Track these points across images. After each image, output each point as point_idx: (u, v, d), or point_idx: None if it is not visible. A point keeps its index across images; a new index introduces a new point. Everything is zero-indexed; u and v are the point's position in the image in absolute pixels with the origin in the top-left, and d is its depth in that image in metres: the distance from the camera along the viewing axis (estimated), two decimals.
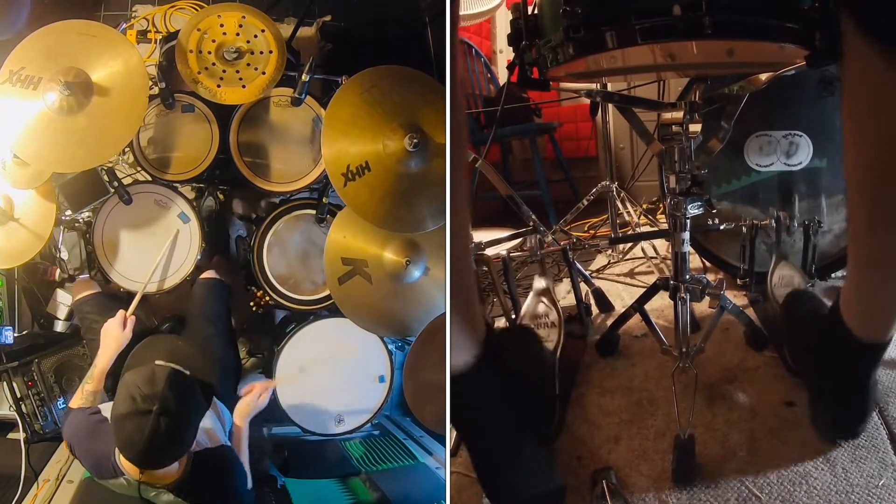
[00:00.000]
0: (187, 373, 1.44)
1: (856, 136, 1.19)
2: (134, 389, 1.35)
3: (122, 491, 1.51)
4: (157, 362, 1.43)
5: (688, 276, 1.57)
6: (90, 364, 1.97)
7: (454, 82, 1.12)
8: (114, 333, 1.79)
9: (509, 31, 1.41)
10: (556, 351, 1.80)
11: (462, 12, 2.58)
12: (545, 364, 1.68)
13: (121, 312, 1.83)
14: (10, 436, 1.99)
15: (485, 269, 2.07)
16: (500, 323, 2.10)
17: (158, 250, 2.02)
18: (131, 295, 2.03)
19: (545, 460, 1.40)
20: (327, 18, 2.62)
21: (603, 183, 2.71)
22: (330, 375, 2.17)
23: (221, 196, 2.31)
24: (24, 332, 1.98)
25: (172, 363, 1.44)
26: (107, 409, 1.56)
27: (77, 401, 1.69)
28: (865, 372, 1.40)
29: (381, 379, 2.20)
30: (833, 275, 2.03)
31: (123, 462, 1.43)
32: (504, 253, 2.08)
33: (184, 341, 1.87)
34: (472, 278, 1.32)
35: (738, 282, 2.10)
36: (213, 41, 1.90)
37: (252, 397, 1.81)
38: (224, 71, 1.90)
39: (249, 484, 1.69)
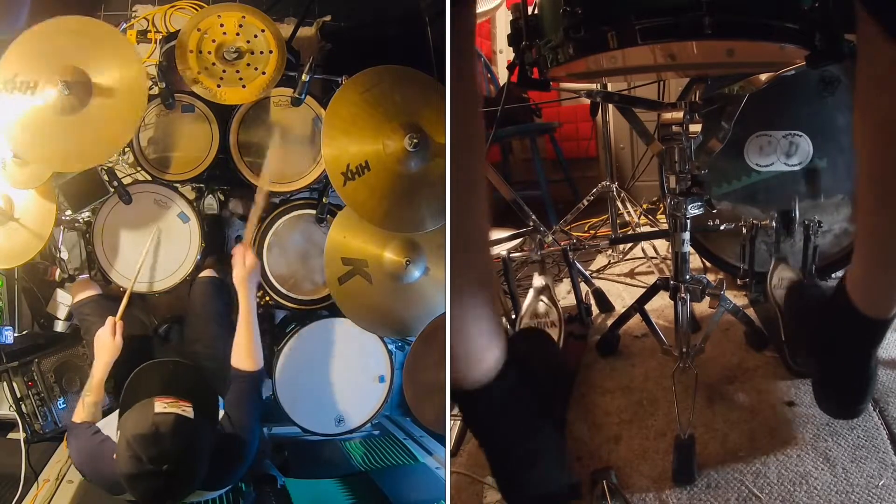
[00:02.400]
0: (191, 414, 1.37)
1: (867, 115, 1.19)
2: (137, 449, 1.29)
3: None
4: (157, 409, 1.35)
5: (688, 277, 1.57)
6: (90, 365, 1.97)
7: (466, 81, 1.11)
8: (105, 343, 1.76)
9: (509, 31, 1.42)
10: (562, 352, 1.80)
11: None
12: (556, 365, 1.68)
13: (110, 320, 1.80)
14: (10, 436, 1.98)
15: None
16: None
17: (158, 250, 2.02)
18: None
19: (563, 457, 1.40)
20: (327, 18, 2.62)
21: (603, 183, 2.71)
22: (330, 375, 2.17)
23: (221, 196, 2.31)
24: (24, 332, 1.98)
25: (172, 399, 1.38)
26: (106, 425, 1.54)
27: (80, 414, 1.67)
28: (868, 349, 1.41)
29: (381, 379, 2.20)
30: (833, 275, 2.03)
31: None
32: (504, 253, 2.08)
33: (176, 364, 1.71)
34: (490, 280, 1.29)
35: (738, 282, 2.10)
36: (213, 41, 1.90)
37: (238, 262, 1.82)
38: (224, 71, 1.90)
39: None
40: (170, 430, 1.31)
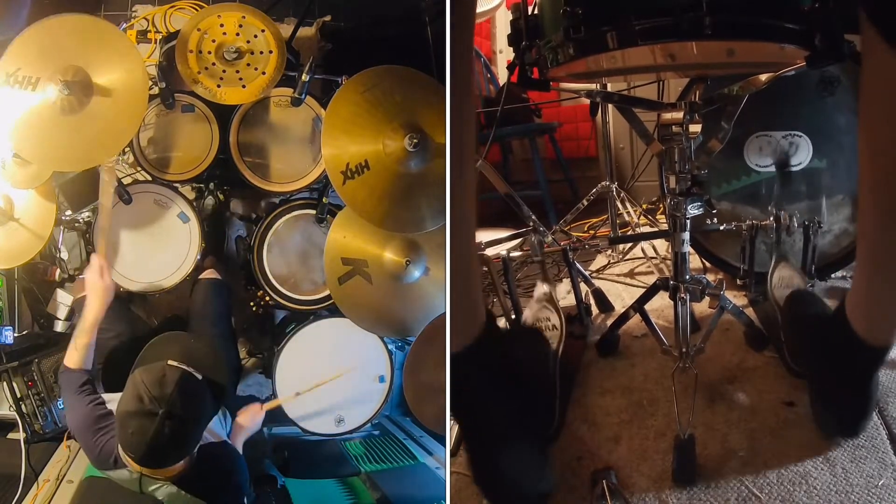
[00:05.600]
0: (199, 377, 1.44)
1: (871, 138, 1.19)
2: (142, 388, 1.35)
3: (124, 482, 1.52)
4: (170, 362, 1.43)
5: (688, 277, 1.57)
6: None
7: (460, 82, 1.12)
8: (94, 284, 1.74)
9: (509, 31, 1.41)
10: (557, 354, 1.79)
11: None
12: (547, 366, 1.68)
13: (94, 260, 1.76)
14: (10, 436, 1.98)
15: (485, 269, 2.06)
16: (501, 323, 2.10)
17: (158, 250, 2.02)
18: (131, 294, 2.03)
19: (538, 458, 1.40)
20: (327, 18, 2.62)
21: (603, 183, 2.71)
22: (330, 375, 2.17)
23: (221, 196, 2.31)
24: (24, 332, 1.98)
25: (185, 364, 1.44)
26: (111, 400, 1.56)
27: (72, 357, 1.66)
28: (868, 373, 1.40)
29: (381, 379, 2.20)
30: (833, 275, 2.04)
31: (125, 456, 1.43)
32: (504, 253, 2.08)
33: (199, 341, 1.84)
34: (475, 267, 1.33)
35: (738, 282, 2.10)
36: (213, 41, 1.90)
37: (246, 420, 1.86)
38: (224, 71, 1.90)
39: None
40: (177, 379, 1.37)
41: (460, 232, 1.22)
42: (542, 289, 1.94)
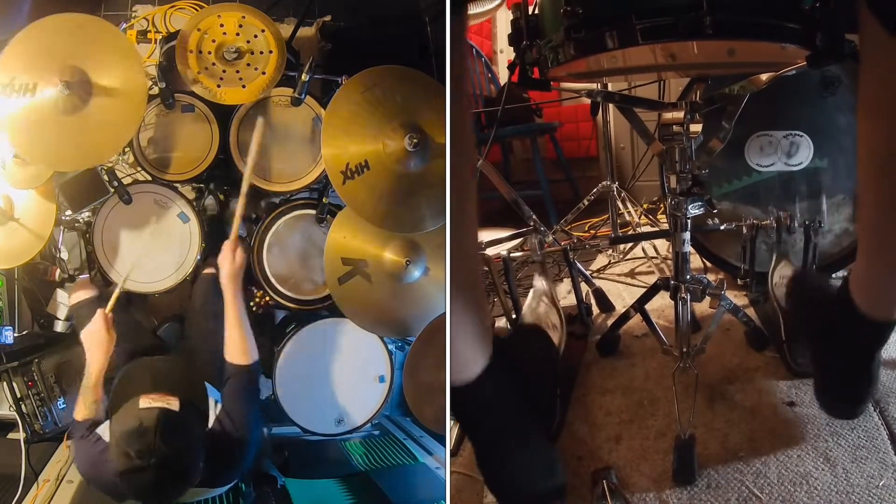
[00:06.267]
0: (176, 407, 1.39)
1: (872, 123, 1.20)
2: (125, 446, 1.32)
3: None
4: (142, 405, 1.37)
5: (688, 276, 1.57)
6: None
7: (456, 81, 1.12)
8: (97, 338, 1.68)
9: (510, 30, 1.41)
10: (558, 353, 1.79)
11: None
12: (548, 364, 1.68)
13: (99, 313, 1.71)
14: (10, 436, 1.99)
15: (485, 269, 2.06)
16: (501, 323, 2.10)
17: (158, 250, 2.02)
18: (130, 296, 2.03)
19: (550, 456, 1.40)
20: (327, 18, 2.62)
21: (603, 183, 2.71)
22: (330, 375, 2.17)
23: (221, 196, 2.30)
24: (24, 332, 1.98)
25: (158, 395, 1.40)
26: (106, 431, 1.55)
27: (81, 411, 1.64)
28: (870, 350, 1.41)
29: (381, 379, 2.20)
30: (834, 275, 2.03)
31: None
32: (504, 253, 2.08)
33: (168, 362, 1.77)
34: (478, 281, 1.31)
35: (739, 282, 2.10)
36: (213, 41, 1.90)
37: (227, 259, 1.73)
38: (224, 71, 1.90)
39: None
40: (154, 424, 1.33)
41: (458, 252, 1.19)
42: (539, 283, 1.94)
